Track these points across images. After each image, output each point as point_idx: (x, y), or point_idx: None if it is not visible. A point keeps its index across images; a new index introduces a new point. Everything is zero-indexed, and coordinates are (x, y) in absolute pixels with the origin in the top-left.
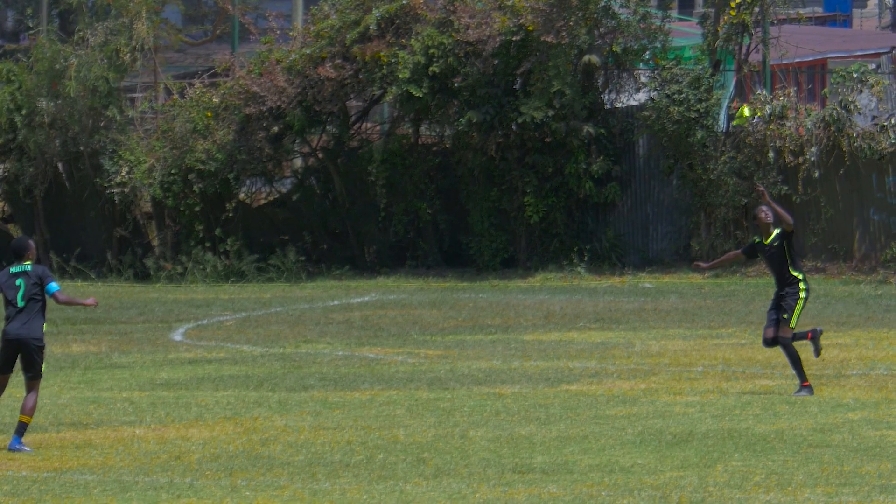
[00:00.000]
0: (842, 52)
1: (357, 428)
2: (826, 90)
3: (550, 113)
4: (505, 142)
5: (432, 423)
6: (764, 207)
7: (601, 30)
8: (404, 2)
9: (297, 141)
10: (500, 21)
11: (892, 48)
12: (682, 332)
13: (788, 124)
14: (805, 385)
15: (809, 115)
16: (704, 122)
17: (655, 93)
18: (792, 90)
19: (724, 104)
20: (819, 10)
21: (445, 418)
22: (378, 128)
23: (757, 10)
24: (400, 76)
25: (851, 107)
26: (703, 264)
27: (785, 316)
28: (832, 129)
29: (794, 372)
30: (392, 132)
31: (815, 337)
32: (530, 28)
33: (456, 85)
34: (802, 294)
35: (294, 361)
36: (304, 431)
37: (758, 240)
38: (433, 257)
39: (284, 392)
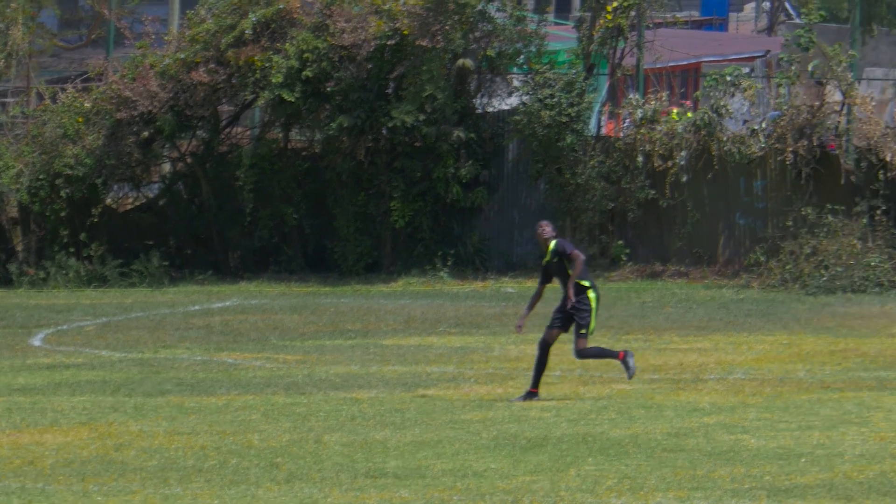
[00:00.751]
0: (716, 56)
1: (212, 433)
2: (698, 93)
3: (421, 117)
4: (374, 146)
5: (287, 428)
6: (543, 222)
7: (477, 34)
8: (281, 6)
9: (166, 146)
10: (376, 25)
11: (767, 52)
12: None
13: (659, 128)
14: (532, 392)
15: (681, 118)
16: (575, 126)
17: (528, 97)
18: (664, 94)
19: (596, 108)
20: (695, 14)
21: (300, 423)
22: (249, 132)
23: (633, 13)
24: (273, 80)
25: (723, 111)
26: (520, 324)
27: (583, 332)
28: (703, 132)
29: (533, 374)
30: (262, 137)
31: (625, 357)
32: (406, 32)
33: (328, 89)
34: (593, 304)
35: (152, 366)
36: (159, 436)
37: (545, 260)
38: (297, 262)
39: (141, 397)
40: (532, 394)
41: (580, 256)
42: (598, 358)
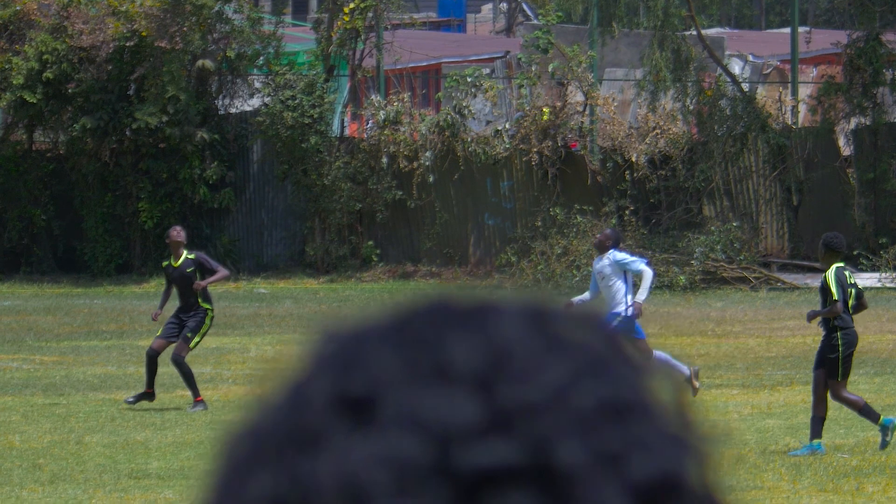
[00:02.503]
0: (456, 57)
1: None
2: (440, 94)
3: (164, 118)
4: (119, 147)
5: (48, 429)
6: (178, 227)
7: (215, 35)
8: (18, 8)
9: None
10: (114, 27)
11: (507, 53)
12: (298, 337)
13: (402, 129)
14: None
15: (424, 119)
16: (318, 127)
17: (269, 98)
18: (406, 95)
19: (338, 109)
20: (433, 15)
21: (61, 424)
22: None
23: (370, 15)
24: (14, 82)
25: (466, 111)
26: (154, 315)
27: (189, 335)
28: (447, 133)
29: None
30: (6, 138)
31: (149, 395)
32: (144, 34)
33: (70, 91)
34: (208, 322)
35: None
36: None
37: (166, 263)
38: (48, 263)
39: None
40: (148, 394)
41: (224, 272)
42: (183, 377)
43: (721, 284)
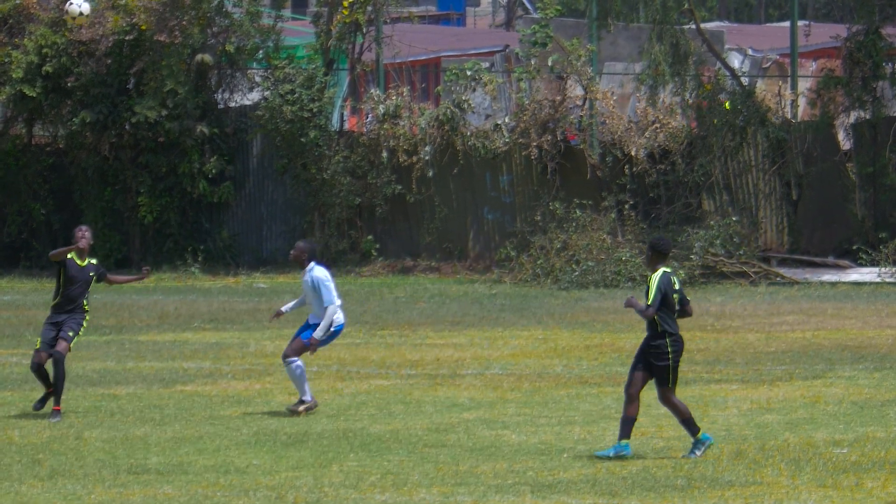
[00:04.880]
0: (455, 51)
1: None
2: (440, 88)
3: (164, 112)
4: (118, 141)
5: (47, 425)
6: (83, 227)
7: (214, 29)
8: (17, 1)
9: None
10: (114, 20)
11: (506, 46)
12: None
13: (402, 123)
14: (57, 410)
15: (423, 114)
16: (317, 121)
17: (269, 92)
18: (405, 89)
19: (338, 103)
20: (433, 9)
21: (61, 419)
22: None
23: (370, 9)
24: (13, 76)
25: (465, 105)
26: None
27: (71, 333)
28: (446, 127)
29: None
30: (5, 132)
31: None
32: (143, 27)
33: (69, 84)
34: (85, 325)
35: None
36: None
37: (72, 255)
38: (47, 258)
39: None
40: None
41: (117, 279)
42: (57, 372)
43: (720, 279)
